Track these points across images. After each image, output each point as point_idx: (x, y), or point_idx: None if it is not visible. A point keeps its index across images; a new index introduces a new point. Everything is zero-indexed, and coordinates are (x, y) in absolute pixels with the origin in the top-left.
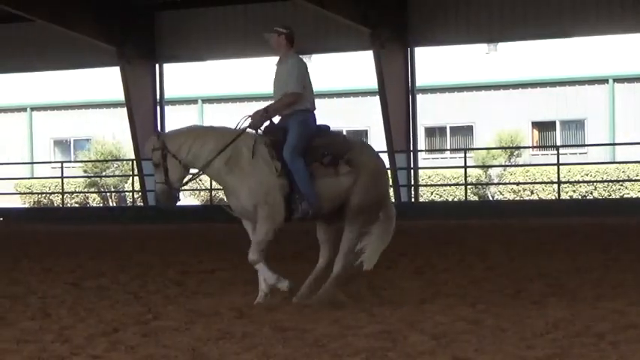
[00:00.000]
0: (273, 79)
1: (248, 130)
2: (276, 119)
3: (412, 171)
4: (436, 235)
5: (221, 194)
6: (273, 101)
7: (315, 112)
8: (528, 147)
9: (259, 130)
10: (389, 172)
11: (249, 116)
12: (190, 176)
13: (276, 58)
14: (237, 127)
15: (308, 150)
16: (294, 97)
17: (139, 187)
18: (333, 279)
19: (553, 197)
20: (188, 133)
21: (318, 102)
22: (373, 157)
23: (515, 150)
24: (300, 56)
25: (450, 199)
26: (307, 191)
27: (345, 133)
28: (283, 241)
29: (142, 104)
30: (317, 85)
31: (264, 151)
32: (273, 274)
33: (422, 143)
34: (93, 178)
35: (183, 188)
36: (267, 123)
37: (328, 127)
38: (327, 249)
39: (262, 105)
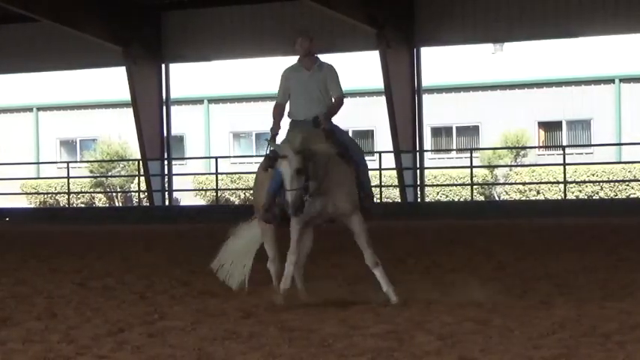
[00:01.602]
0: (298, 83)
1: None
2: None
3: (418, 171)
4: (442, 235)
5: (227, 194)
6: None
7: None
8: (534, 147)
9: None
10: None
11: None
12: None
13: (278, 59)
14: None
15: None
16: (343, 102)
17: (144, 187)
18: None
19: (559, 197)
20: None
21: None
22: None
23: (522, 150)
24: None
25: (456, 199)
26: (370, 190)
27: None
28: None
29: (148, 104)
30: None
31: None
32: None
33: (428, 143)
34: (99, 179)
35: None
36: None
37: None
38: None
39: (268, 105)
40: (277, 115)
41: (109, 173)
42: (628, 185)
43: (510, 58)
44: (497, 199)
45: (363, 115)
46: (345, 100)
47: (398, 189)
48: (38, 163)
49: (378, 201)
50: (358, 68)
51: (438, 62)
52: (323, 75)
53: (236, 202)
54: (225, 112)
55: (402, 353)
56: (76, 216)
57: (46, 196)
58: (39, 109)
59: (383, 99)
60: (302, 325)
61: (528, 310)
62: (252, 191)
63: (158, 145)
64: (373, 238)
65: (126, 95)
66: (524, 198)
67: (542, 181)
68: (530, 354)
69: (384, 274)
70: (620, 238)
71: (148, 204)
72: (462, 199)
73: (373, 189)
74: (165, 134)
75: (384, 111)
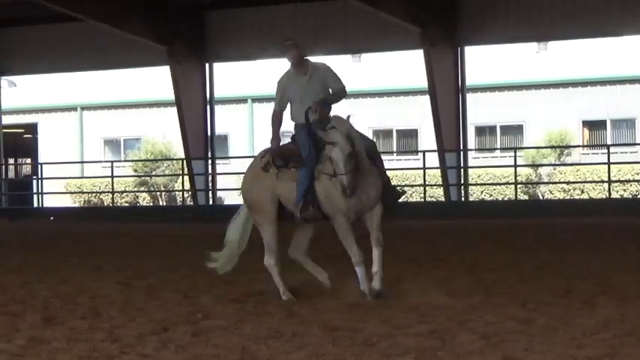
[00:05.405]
0: (297, 90)
1: None
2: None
3: (462, 170)
4: (486, 234)
5: None
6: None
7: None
8: (579, 146)
9: None
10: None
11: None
12: None
13: (322, 58)
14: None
15: None
16: (345, 93)
17: (188, 186)
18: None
19: (603, 196)
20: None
21: (368, 101)
22: None
23: (566, 149)
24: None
25: (500, 199)
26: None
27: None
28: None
29: (192, 103)
30: (367, 85)
31: None
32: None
33: (472, 142)
34: (143, 178)
35: None
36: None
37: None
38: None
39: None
40: (276, 123)
41: (153, 172)
42: None
43: (554, 57)
44: (541, 198)
45: (407, 114)
46: (346, 90)
47: (442, 188)
48: (82, 162)
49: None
50: (402, 67)
51: (482, 61)
52: (321, 77)
53: None
54: (269, 111)
55: (445, 352)
56: (120, 215)
57: (90, 195)
58: (83, 108)
59: (427, 98)
60: (345, 325)
61: (571, 309)
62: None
63: (202, 144)
64: (416, 237)
65: (170, 94)
66: (568, 197)
67: (587, 180)
68: (573, 353)
69: (381, 258)
70: None
71: (191, 203)
72: (505, 199)
73: (416, 188)
74: (209, 133)
75: (428, 110)
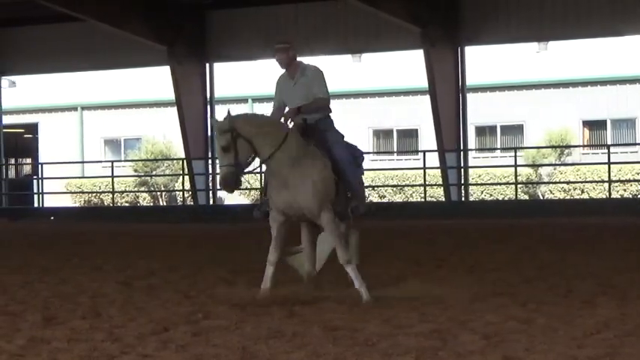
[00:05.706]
0: (286, 93)
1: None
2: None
3: (462, 170)
4: (486, 234)
5: None
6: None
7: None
8: (579, 146)
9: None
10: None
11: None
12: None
13: (322, 58)
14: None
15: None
16: (326, 102)
17: (189, 186)
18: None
19: (604, 196)
20: (253, 120)
21: (368, 101)
22: None
23: (566, 149)
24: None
25: (501, 198)
26: (358, 189)
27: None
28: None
29: (193, 103)
30: (367, 84)
31: (313, 148)
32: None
33: (472, 142)
34: (143, 178)
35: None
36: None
37: None
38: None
39: None
40: None
41: (154, 172)
42: None
43: (555, 57)
44: (541, 198)
45: (407, 114)
46: (328, 100)
47: (442, 188)
48: (83, 162)
49: (372, 200)
50: (402, 67)
51: (483, 61)
52: (307, 80)
53: None
54: (269, 111)
55: (446, 352)
56: (121, 215)
57: (90, 195)
58: (83, 108)
59: (427, 98)
60: (346, 324)
61: (572, 309)
62: None
63: (202, 144)
64: (416, 237)
65: (170, 94)
66: (568, 197)
67: (587, 180)
68: (574, 353)
69: (356, 272)
70: None
71: (192, 203)
72: (506, 198)
73: (417, 188)
74: (209, 133)
75: (429, 110)
